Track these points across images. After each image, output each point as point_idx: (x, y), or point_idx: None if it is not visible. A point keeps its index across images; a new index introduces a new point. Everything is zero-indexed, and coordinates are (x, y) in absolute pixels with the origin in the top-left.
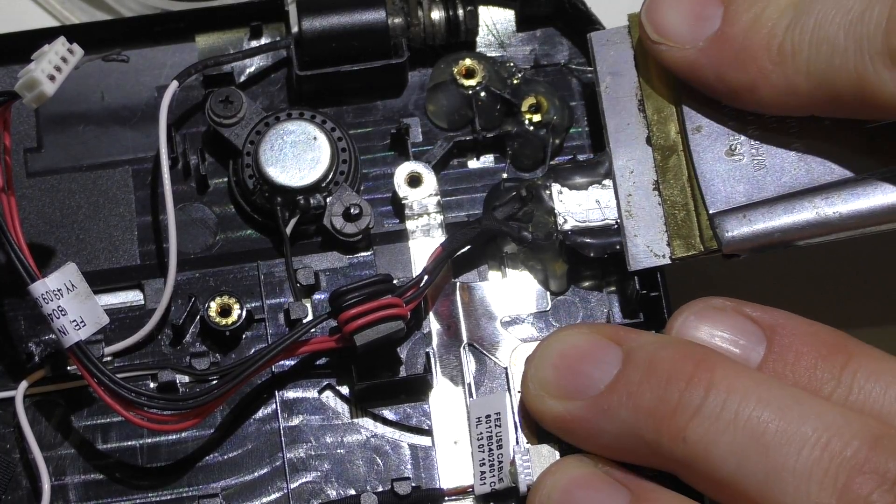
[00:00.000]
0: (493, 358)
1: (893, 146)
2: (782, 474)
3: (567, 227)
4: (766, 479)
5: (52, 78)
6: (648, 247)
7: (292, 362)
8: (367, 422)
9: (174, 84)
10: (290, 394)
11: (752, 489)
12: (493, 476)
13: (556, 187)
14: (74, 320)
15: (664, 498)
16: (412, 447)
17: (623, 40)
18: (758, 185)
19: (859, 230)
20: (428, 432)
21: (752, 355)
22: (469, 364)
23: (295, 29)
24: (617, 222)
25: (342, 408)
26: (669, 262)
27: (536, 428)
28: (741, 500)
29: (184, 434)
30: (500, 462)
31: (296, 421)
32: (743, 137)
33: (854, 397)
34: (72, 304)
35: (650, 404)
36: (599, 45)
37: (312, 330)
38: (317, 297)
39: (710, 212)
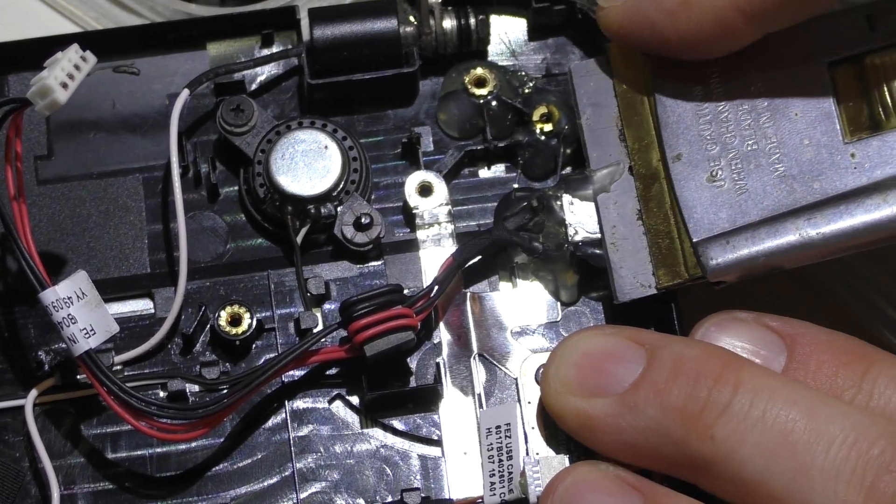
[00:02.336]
0: (503, 368)
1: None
2: (810, 472)
3: (578, 237)
4: (793, 477)
5: (64, 85)
6: (635, 277)
7: (302, 372)
8: (376, 432)
9: (185, 92)
10: (300, 403)
11: (778, 488)
12: (503, 487)
13: (566, 198)
14: (84, 328)
15: (677, 502)
16: (422, 457)
17: (603, 70)
18: (740, 209)
19: (846, 250)
20: (438, 443)
21: (774, 365)
22: (479, 374)
23: (306, 37)
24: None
25: (352, 418)
26: (655, 291)
27: (547, 438)
28: (767, 500)
29: (193, 443)
30: (511, 473)
31: (305, 431)
32: (723, 162)
33: (875, 403)
34: (82, 312)
35: (678, 402)
36: (579, 76)
37: (323, 340)
38: (327, 306)
39: (694, 240)
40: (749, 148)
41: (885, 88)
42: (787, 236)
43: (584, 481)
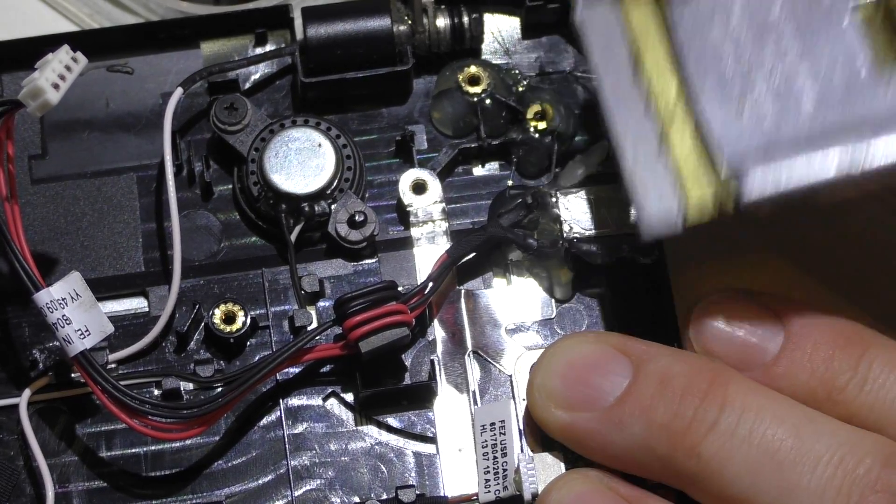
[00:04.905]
0: (497, 365)
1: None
2: (796, 492)
3: (572, 234)
4: (779, 496)
5: (56, 86)
6: (660, 210)
7: (297, 370)
8: (371, 429)
9: (179, 91)
10: (295, 401)
11: None
12: (498, 484)
13: (561, 195)
14: (79, 329)
15: None
16: (416, 455)
17: (613, 11)
18: (771, 138)
19: (884, 180)
20: (432, 440)
21: (770, 345)
22: (474, 371)
23: (300, 36)
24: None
25: (346, 415)
26: (681, 226)
27: (541, 435)
28: None
29: (188, 442)
30: (505, 470)
31: (300, 428)
32: (750, 91)
33: (869, 387)
34: (76, 313)
35: (664, 419)
36: (588, 20)
37: (317, 337)
38: (321, 304)
39: (725, 170)
40: (776, 76)
41: None
42: (824, 165)
43: (576, 494)
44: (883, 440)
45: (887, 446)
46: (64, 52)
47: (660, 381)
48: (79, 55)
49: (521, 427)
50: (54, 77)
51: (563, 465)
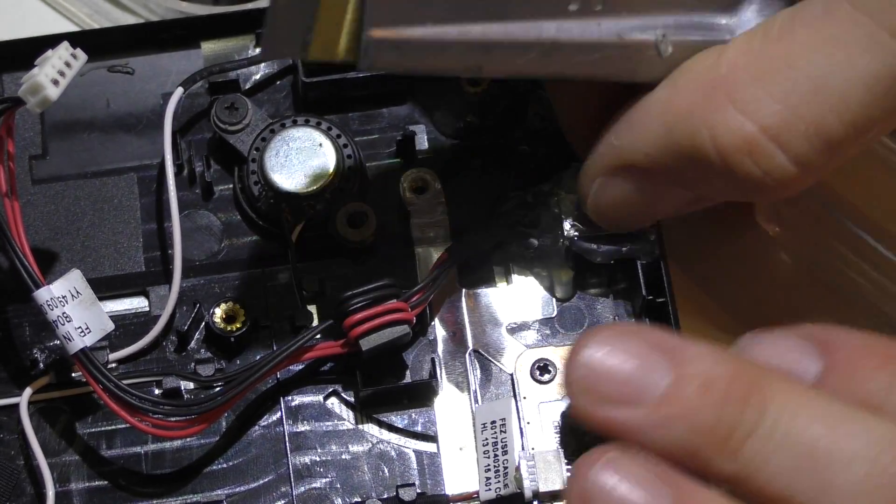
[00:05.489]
0: (498, 364)
1: None
2: (831, 490)
3: (573, 233)
4: (816, 496)
5: (55, 82)
6: (291, 36)
7: (297, 368)
8: (372, 428)
9: (179, 91)
10: (296, 400)
11: None
12: (499, 482)
13: (562, 193)
14: (79, 327)
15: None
16: (417, 453)
17: None
18: None
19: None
20: (433, 438)
21: (809, 370)
22: (474, 370)
23: None
24: None
25: (347, 414)
26: (304, 59)
27: (546, 428)
28: None
29: (188, 441)
30: (506, 468)
31: (301, 427)
32: None
33: None
34: (77, 310)
35: (705, 424)
36: None
37: (318, 336)
38: (322, 303)
39: (366, 23)
40: None
41: None
42: (463, 33)
43: (613, 467)
44: None
45: None
46: (63, 49)
47: (701, 385)
48: (78, 52)
49: (522, 425)
50: (54, 73)
51: (564, 464)
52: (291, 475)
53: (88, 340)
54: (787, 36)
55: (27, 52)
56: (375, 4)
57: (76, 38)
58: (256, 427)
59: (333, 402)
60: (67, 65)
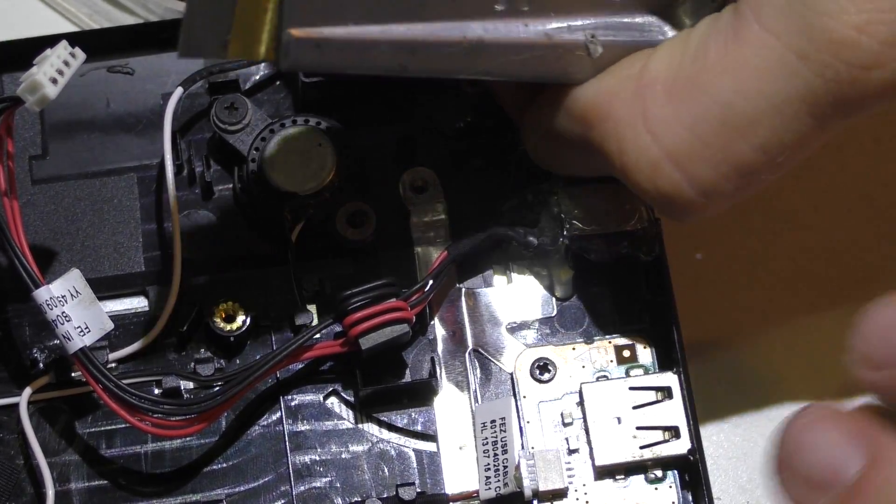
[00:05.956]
0: (498, 363)
1: None
2: None
3: (573, 232)
4: None
5: (54, 81)
6: (210, 35)
7: (297, 368)
8: (371, 427)
9: (179, 91)
10: (295, 399)
11: None
12: (498, 481)
13: (562, 192)
14: (79, 326)
15: None
16: (417, 452)
17: None
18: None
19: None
20: (433, 437)
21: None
22: (474, 369)
23: None
24: None
25: (347, 413)
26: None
27: (546, 428)
28: None
29: (188, 440)
30: (505, 467)
31: (301, 427)
32: None
33: None
34: (76, 310)
35: None
36: None
37: (317, 335)
38: (321, 303)
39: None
40: None
41: None
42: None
43: (812, 417)
44: None
45: None
46: (62, 48)
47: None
48: (77, 50)
49: (522, 424)
50: (52, 72)
51: (563, 463)
52: (291, 475)
53: (88, 340)
54: (701, 57)
55: (27, 52)
56: (294, 3)
57: (76, 39)
58: (256, 426)
59: (333, 402)
60: (66, 63)
